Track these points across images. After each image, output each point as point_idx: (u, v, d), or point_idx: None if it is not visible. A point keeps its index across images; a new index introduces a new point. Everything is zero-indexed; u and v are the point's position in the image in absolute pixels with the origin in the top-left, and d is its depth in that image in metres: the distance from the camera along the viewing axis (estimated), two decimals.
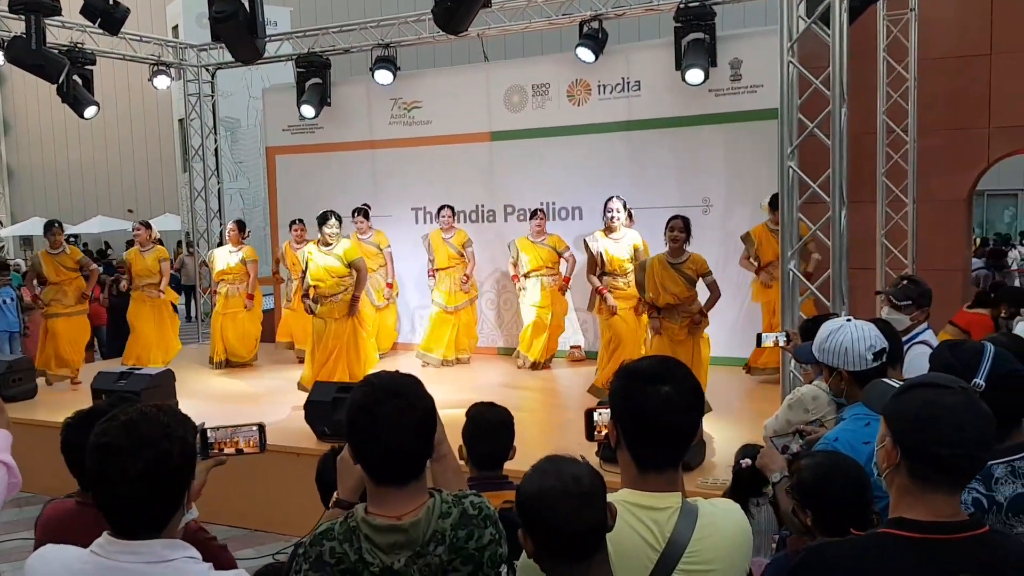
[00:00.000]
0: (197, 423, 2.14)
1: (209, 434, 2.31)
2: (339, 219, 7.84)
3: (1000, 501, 2.12)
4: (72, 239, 17.62)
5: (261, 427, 2.38)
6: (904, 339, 4.65)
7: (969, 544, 1.72)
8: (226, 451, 2.33)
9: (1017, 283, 17.80)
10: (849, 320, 2.91)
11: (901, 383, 2.00)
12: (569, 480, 1.73)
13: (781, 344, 3.53)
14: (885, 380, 2.61)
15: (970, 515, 1.82)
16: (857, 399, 2.78)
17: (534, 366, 9.12)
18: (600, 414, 2.31)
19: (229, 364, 9.90)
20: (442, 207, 9.50)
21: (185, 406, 7.11)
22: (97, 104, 10.08)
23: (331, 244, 7.70)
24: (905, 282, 4.64)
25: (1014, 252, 19.31)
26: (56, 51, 9.47)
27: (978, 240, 18.78)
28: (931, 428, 1.72)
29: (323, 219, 7.78)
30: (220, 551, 2.46)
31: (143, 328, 9.41)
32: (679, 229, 6.41)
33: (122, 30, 9.72)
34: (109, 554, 1.77)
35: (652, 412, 1.91)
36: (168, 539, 1.80)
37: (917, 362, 3.82)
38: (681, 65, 8.58)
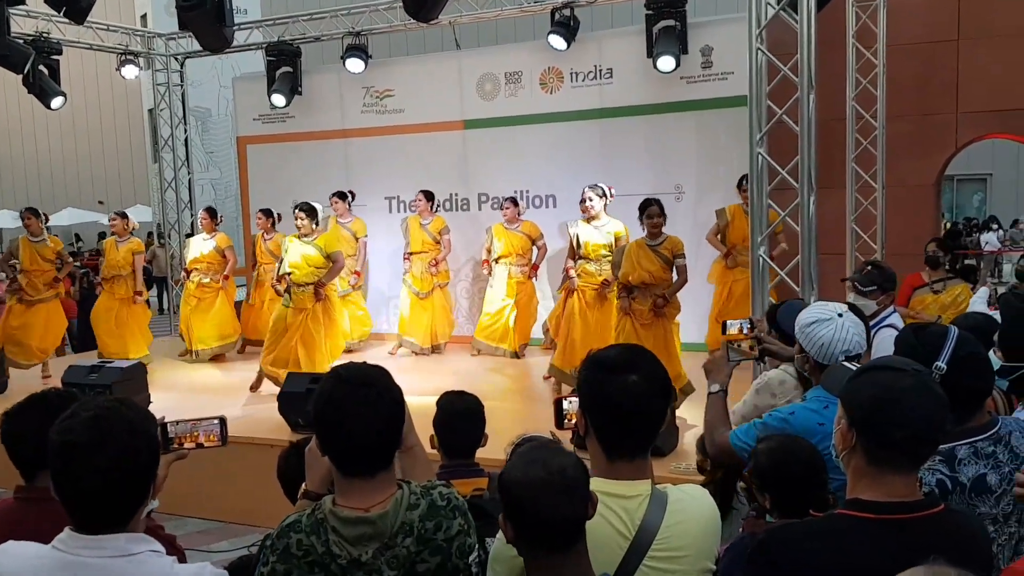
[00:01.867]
0: (159, 417, 2.13)
1: (169, 428, 2.28)
2: (308, 212, 7.78)
3: (963, 482, 2.15)
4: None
5: (222, 420, 2.35)
6: (872, 323, 4.73)
7: (926, 523, 1.75)
8: (186, 445, 2.30)
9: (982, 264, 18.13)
10: (841, 316, 2.87)
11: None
12: (555, 471, 1.73)
13: (745, 331, 3.55)
14: (844, 364, 2.65)
15: (926, 494, 1.85)
16: (819, 383, 2.82)
17: (515, 355, 9.15)
18: (570, 402, 2.31)
19: (198, 356, 9.78)
20: (418, 193, 9.48)
21: (158, 399, 7.11)
22: (64, 94, 9.95)
23: (307, 235, 7.67)
24: (869, 268, 4.71)
25: (986, 235, 19.59)
26: (21, 41, 9.33)
27: (947, 224, 19.00)
28: (885, 411, 1.75)
29: (295, 211, 7.80)
30: (170, 543, 2.43)
31: (110, 321, 9.31)
32: (657, 215, 6.46)
33: (89, 19, 9.53)
34: (71, 549, 1.75)
35: (619, 401, 1.91)
36: (132, 533, 1.79)
37: (884, 345, 3.86)
38: (653, 52, 8.59)
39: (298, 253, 7.63)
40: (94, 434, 1.74)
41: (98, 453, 1.73)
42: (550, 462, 1.75)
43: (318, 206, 8.08)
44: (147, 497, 1.84)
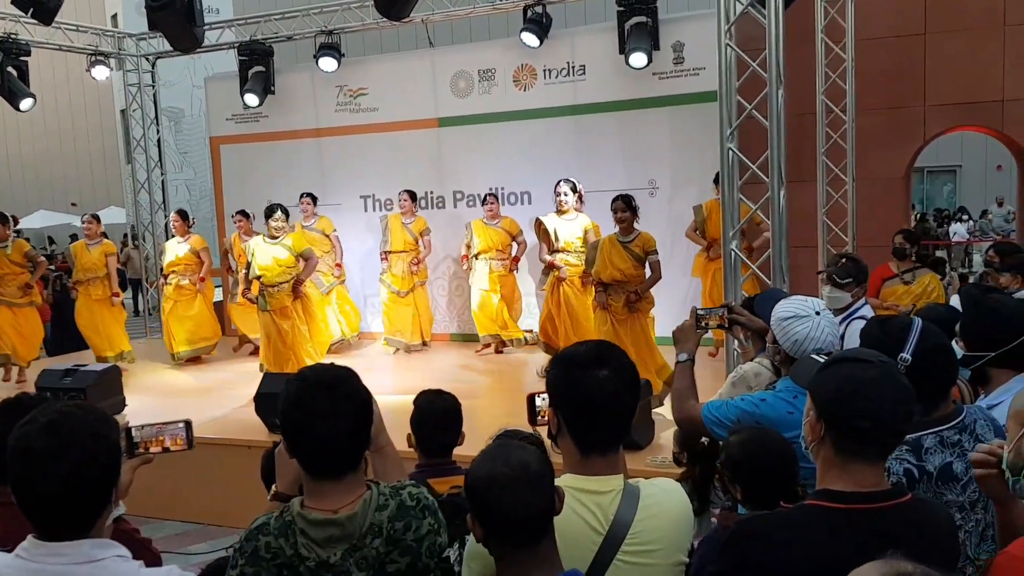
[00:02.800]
0: (134, 421, 2.11)
1: (134, 433, 2.25)
2: (286, 212, 7.80)
3: (930, 471, 2.18)
4: (15, 234, 17.18)
5: (188, 424, 2.32)
6: (845, 315, 4.79)
7: (893, 512, 1.78)
8: (152, 449, 2.26)
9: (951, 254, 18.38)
10: (819, 314, 2.88)
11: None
12: (517, 466, 1.72)
13: (720, 317, 3.54)
14: (812, 356, 2.68)
15: (893, 484, 1.88)
16: (788, 374, 2.86)
17: (497, 349, 9.18)
18: (543, 399, 2.29)
19: (192, 358, 9.75)
20: (402, 192, 9.46)
21: (134, 402, 7.05)
22: (33, 96, 9.84)
23: (278, 237, 7.67)
24: (844, 260, 4.77)
25: (956, 225, 19.84)
26: None
27: (918, 216, 19.20)
28: (851, 402, 1.78)
29: (270, 212, 7.78)
30: (144, 547, 2.42)
31: (93, 322, 9.25)
32: (621, 210, 6.57)
33: (58, 19, 9.45)
34: (34, 557, 1.73)
35: (591, 396, 1.92)
36: (96, 539, 1.77)
37: (856, 337, 3.92)
38: (625, 49, 8.63)
39: (268, 255, 7.62)
40: (52, 439, 1.72)
41: (56, 459, 1.70)
42: (512, 458, 1.75)
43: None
44: (110, 502, 1.81)
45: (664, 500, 1.99)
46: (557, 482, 1.82)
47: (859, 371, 1.81)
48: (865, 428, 1.77)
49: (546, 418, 2.12)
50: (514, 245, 9.11)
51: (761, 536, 1.82)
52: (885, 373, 1.81)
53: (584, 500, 1.92)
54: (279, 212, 7.73)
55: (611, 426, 1.97)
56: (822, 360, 2.37)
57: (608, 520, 1.90)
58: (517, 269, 9.21)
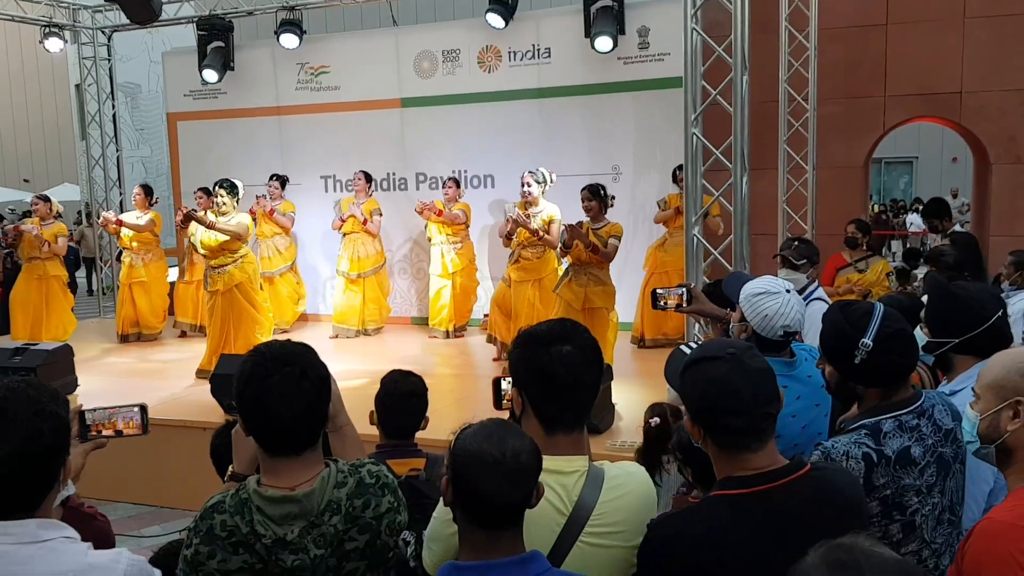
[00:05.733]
0: (86, 402, 2.05)
1: (87, 416, 2.19)
2: (234, 188, 7.60)
3: (888, 455, 2.19)
4: None
5: (143, 408, 2.26)
6: (802, 297, 4.85)
7: (793, 487, 1.82)
8: (105, 433, 2.21)
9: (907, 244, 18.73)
10: (788, 292, 2.90)
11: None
12: (508, 453, 1.69)
13: (679, 297, 3.52)
14: (681, 348, 2.73)
15: (791, 459, 1.89)
16: None
17: (447, 335, 9.13)
18: (508, 382, 2.29)
19: (141, 338, 9.64)
20: (358, 172, 9.36)
21: (87, 383, 6.92)
22: None
23: (226, 215, 7.47)
24: (797, 243, 4.83)
25: (912, 216, 20.22)
26: None
27: (875, 208, 19.49)
28: (715, 403, 1.83)
29: (213, 189, 7.60)
30: (102, 526, 2.37)
31: (30, 303, 9.05)
32: (586, 199, 6.65)
33: None
34: None
35: (555, 371, 1.92)
36: (43, 519, 1.74)
37: (816, 317, 3.97)
38: (590, 32, 8.60)
39: (208, 233, 7.42)
40: None
41: (0, 438, 1.66)
42: (506, 442, 1.71)
43: (239, 183, 7.88)
44: (57, 482, 1.77)
45: (628, 483, 1.99)
46: None
47: (711, 370, 1.84)
48: (735, 424, 1.82)
49: (511, 401, 2.10)
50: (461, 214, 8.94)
51: (673, 537, 1.84)
52: (735, 364, 1.84)
53: (549, 480, 1.89)
54: (220, 188, 7.51)
55: (574, 401, 1.97)
56: (688, 351, 2.42)
57: (572, 501, 1.89)
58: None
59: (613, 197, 6.89)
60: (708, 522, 1.82)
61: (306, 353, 1.92)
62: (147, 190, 9.72)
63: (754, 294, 2.92)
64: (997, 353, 1.86)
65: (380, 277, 9.63)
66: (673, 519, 1.94)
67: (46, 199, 9.37)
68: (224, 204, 7.45)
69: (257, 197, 9.68)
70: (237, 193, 7.64)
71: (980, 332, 2.69)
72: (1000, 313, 2.75)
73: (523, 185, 7.47)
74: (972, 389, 2.09)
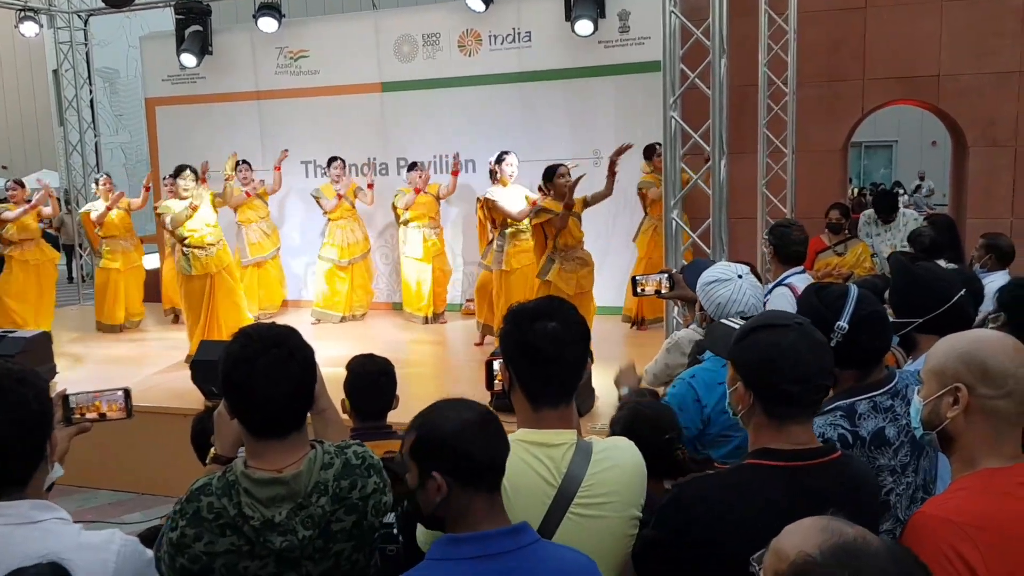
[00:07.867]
0: (61, 389, 2.05)
1: (71, 400, 2.19)
2: (195, 172, 7.52)
3: (863, 436, 2.22)
4: None
5: (126, 392, 2.26)
6: (776, 281, 4.88)
7: (826, 468, 1.86)
8: (88, 416, 2.21)
9: None
10: (741, 277, 2.93)
11: (740, 325, 2.09)
12: (483, 414, 1.78)
13: (664, 285, 3.54)
14: (724, 322, 2.73)
15: (824, 442, 1.94)
16: None
17: (426, 320, 9.13)
18: (500, 363, 2.33)
19: (129, 326, 9.64)
20: (333, 159, 9.29)
21: (66, 370, 6.87)
22: None
23: (186, 198, 7.39)
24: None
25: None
26: None
27: (855, 191, 19.56)
28: (776, 369, 1.85)
29: (177, 172, 7.50)
30: None
31: (19, 290, 8.98)
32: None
33: None
34: None
35: (541, 346, 1.95)
36: (36, 500, 1.75)
37: (776, 303, 4.01)
38: (571, 16, 8.58)
39: (199, 220, 7.39)
40: None
41: None
42: (473, 408, 1.79)
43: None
44: (45, 457, 1.78)
45: (617, 455, 2.03)
46: (510, 437, 1.85)
47: (777, 337, 1.87)
48: (795, 392, 1.84)
49: (501, 381, 2.14)
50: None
51: (700, 499, 1.87)
52: (802, 334, 1.88)
53: (536, 453, 1.94)
54: (188, 171, 7.44)
55: (560, 376, 2.00)
56: (735, 326, 2.42)
57: (560, 473, 1.92)
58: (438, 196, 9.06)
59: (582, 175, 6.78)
60: (737, 488, 1.85)
61: (293, 335, 1.94)
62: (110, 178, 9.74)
63: (707, 283, 2.98)
64: (945, 337, 1.88)
65: (367, 263, 9.64)
66: (705, 481, 1.97)
67: (22, 184, 9.29)
68: (189, 188, 7.39)
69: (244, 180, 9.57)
70: (197, 175, 7.56)
71: (942, 312, 2.75)
72: (963, 292, 2.80)
73: (509, 164, 7.38)
74: (917, 373, 2.11)
